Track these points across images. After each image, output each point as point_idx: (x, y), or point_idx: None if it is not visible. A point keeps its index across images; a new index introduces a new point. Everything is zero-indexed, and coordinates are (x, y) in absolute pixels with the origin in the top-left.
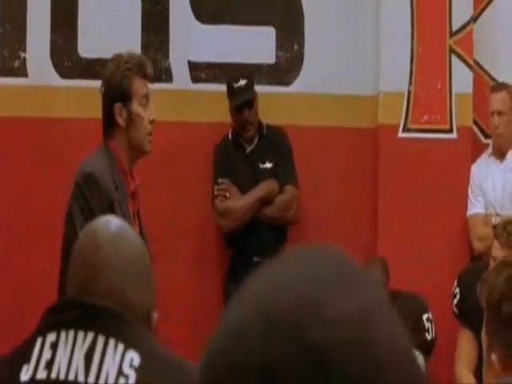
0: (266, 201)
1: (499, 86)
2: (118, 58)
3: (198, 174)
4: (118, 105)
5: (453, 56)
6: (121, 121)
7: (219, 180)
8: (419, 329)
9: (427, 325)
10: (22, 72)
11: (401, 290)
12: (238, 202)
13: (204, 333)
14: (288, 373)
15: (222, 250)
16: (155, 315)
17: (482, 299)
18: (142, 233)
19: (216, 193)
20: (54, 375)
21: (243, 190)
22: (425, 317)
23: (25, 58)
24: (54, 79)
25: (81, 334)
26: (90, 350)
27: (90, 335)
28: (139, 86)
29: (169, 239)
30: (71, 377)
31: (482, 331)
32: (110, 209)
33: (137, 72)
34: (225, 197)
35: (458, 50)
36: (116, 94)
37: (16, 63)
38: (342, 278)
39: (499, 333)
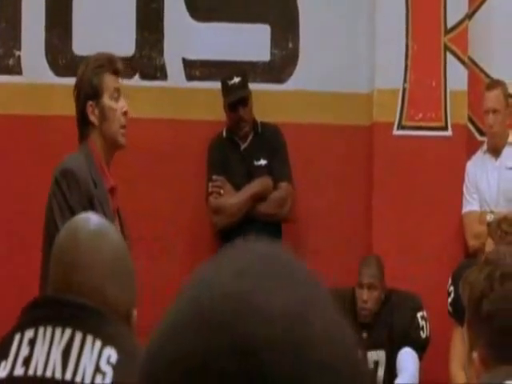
0: (260, 198)
1: (493, 84)
2: (87, 58)
3: (192, 171)
4: (90, 103)
5: (447, 53)
6: (93, 118)
7: (213, 177)
8: (414, 327)
9: (422, 323)
10: (16, 70)
11: (396, 289)
12: (232, 199)
13: None
14: (219, 368)
15: (217, 247)
16: (135, 313)
17: (463, 297)
18: (123, 229)
19: (210, 190)
20: (31, 372)
21: (237, 187)
22: (419, 315)
23: (19, 56)
24: (48, 77)
25: (58, 331)
26: (67, 346)
27: (68, 332)
28: (109, 81)
29: (164, 236)
30: (48, 373)
31: (464, 329)
32: (91, 204)
33: (106, 68)
34: (219, 194)
35: (453, 47)
36: (87, 93)
37: (11, 61)
38: (279, 274)
39: (480, 331)
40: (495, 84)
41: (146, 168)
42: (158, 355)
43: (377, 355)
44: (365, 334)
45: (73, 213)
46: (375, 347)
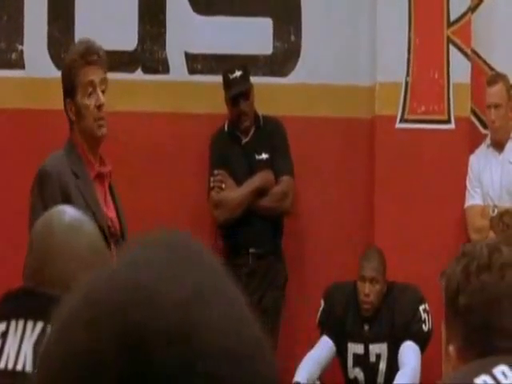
0: (261, 192)
1: (495, 78)
2: (68, 52)
3: (194, 165)
4: (67, 101)
5: (450, 46)
6: (71, 115)
7: (215, 171)
8: (416, 320)
9: (424, 316)
10: (19, 64)
11: (398, 282)
12: (234, 193)
13: None
14: (110, 357)
15: (218, 241)
16: None
17: (442, 290)
18: (119, 214)
19: (212, 184)
20: (2, 365)
21: (239, 182)
22: (421, 308)
23: (22, 51)
24: (51, 71)
25: (30, 324)
26: (38, 339)
27: (40, 325)
28: (83, 73)
29: (166, 228)
30: (19, 367)
31: (442, 323)
32: (67, 199)
33: (78, 62)
34: (221, 188)
35: (456, 39)
36: (65, 90)
37: (13, 55)
38: (175, 263)
39: (456, 325)
40: (497, 78)
41: (147, 161)
42: (51, 352)
43: (379, 348)
44: (366, 327)
45: (45, 209)
46: (377, 340)
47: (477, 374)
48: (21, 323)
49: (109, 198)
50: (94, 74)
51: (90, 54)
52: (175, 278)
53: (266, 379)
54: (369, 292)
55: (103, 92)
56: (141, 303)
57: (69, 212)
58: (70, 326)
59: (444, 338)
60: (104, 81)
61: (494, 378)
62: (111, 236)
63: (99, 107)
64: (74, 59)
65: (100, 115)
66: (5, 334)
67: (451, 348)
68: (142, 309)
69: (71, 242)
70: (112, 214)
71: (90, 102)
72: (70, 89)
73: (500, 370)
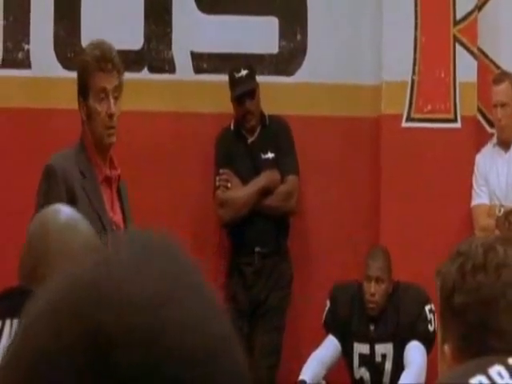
0: (267, 191)
1: (501, 77)
2: (85, 49)
3: (200, 164)
4: (80, 99)
5: (457, 45)
6: (82, 114)
7: (220, 170)
8: (421, 320)
9: (429, 316)
10: (25, 64)
11: (403, 282)
12: (239, 193)
13: None
14: (72, 358)
15: (223, 239)
16: None
17: (437, 289)
18: (125, 218)
19: (217, 183)
20: None
21: (245, 181)
22: (427, 308)
23: (28, 50)
24: (57, 71)
25: None
26: None
27: None
28: (96, 79)
29: (171, 228)
30: None
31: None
32: (72, 197)
33: (94, 65)
34: (226, 187)
35: (462, 38)
36: (79, 87)
37: (20, 55)
38: (142, 263)
39: (451, 324)
40: (503, 77)
41: (153, 160)
42: (16, 351)
43: (384, 348)
44: (372, 327)
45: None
46: (382, 340)
47: (472, 374)
48: (15, 322)
49: (116, 201)
50: (107, 81)
51: (104, 62)
52: (141, 279)
53: (233, 378)
54: (374, 291)
55: (116, 99)
56: (104, 304)
57: (64, 211)
58: (35, 326)
59: (439, 338)
60: (118, 88)
61: (490, 378)
62: None
63: (110, 116)
64: (88, 61)
65: (111, 124)
66: (0, 332)
67: (446, 347)
68: (106, 309)
69: (66, 241)
70: (118, 217)
71: (102, 109)
72: (82, 89)
73: (496, 370)
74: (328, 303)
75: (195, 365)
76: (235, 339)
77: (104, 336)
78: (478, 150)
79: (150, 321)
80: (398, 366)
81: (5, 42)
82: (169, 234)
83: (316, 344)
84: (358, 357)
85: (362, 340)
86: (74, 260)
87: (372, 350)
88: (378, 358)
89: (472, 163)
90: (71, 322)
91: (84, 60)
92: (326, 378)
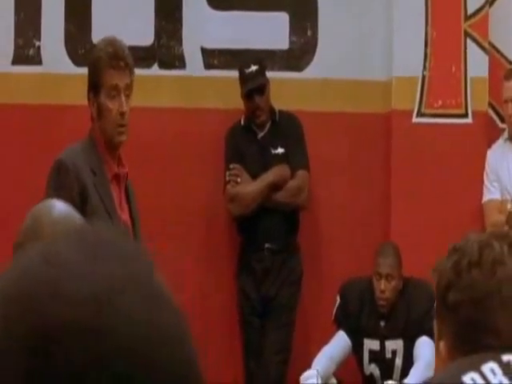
0: (277, 186)
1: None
2: (96, 45)
3: (210, 160)
4: (90, 95)
5: (468, 40)
6: (93, 110)
7: (231, 166)
8: (431, 316)
9: None
10: (36, 60)
11: (413, 278)
12: (249, 188)
13: (216, 319)
14: (18, 354)
15: (233, 235)
16: None
17: (434, 286)
18: (132, 216)
19: (227, 178)
20: None
21: (255, 176)
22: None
23: (39, 47)
24: (68, 67)
25: None
26: None
27: None
28: (108, 76)
29: (180, 223)
30: None
31: (434, 319)
32: (83, 193)
33: (106, 62)
34: (236, 182)
35: (474, 33)
36: (90, 83)
37: (31, 51)
38: (89, 258)
39: (446, 321)
40: None
41: (164, 156)
42: None
43: (395, 344)
44: (382, 323)
45: (65, 200)
46: (393, 336)
47: (465, 371)
48: None
49: (124, 199)
50: (119, 79)
51: (117, 60)
52: (88, 273)
53: (180, 372)
54: (384, 288)
55: (128, 97)
56: (50, 299)
57: (58, 206)
58: None
59: (435, 335)
60: (129, 86)
61: (483, 375)
62: None
63: (122, 114)
64: (101, 57)
65: (122, 122)
66: None
67: (441, 344)
68: (51, 304)
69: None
70: (126, 216)
71: (113, 106)
72: (93, 85)
73: (489, 367)
74: (338, 299)
75: (142, 358)
76: (184, 332)
77: (50, 332)
78: (489, 146)
79: (97, 317)
80: (408, 362)
81: (16, 38)
82: (121, 231)
83: (326, 340)
84: (368, 353)
85: (372, 336)
86: (24, 251)
87: (382, 346)
88: (388, 355)
89: (483, 159)
90: (18, 318)
91: (96, 56)
92: (335, 374)
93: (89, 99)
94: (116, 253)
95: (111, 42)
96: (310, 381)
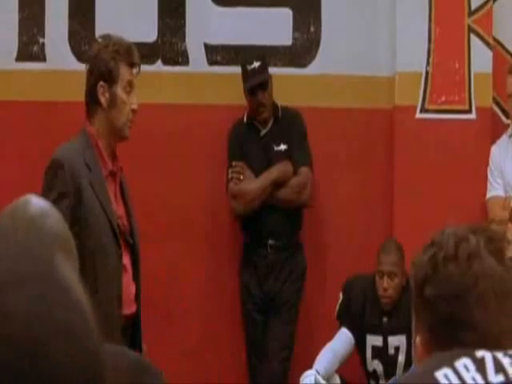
0: (279, 183)
1: None
2: (107, 38)
3: (213, 156)
4: (101, 83)
5: (472, 35)
6: (103, 100)
7: (233, 163)
8: None
9: None
10: (40, 57)
11: None
12: (251, 185)
13: (219, 315)
14: None
15: (236, 232)
16: None
17: (411, 281)
18: (128, 212)
19: (230, 176)
20: None
21: (257, 173)
22: None
23: (43, 44)
24: (72, 64)
25: None
26: None
27: None
28: (125, 71)
29: (184, 220)
30: None
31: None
32: (78, 191)
33: (124, 57)
34: (239, 179)
35: (477, 28)
36: (101, 72)
37: (35, 48)
38: None
39: (422, 316)
40: None
41: (166, 153)
42: None
43: (398, 340)
44: (385, 320)
45: (59, 200)
46: (396, 332)
47: (438, 367)
48: None
49: (119, 194)
50: (133, 77)
51: (134, 56)
52: None
53: (73, 368)
54: (387, 287)
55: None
56: None
57: (34, 202)
58: None
59: (413, 329)
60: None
61: (456, 371)
62: (120, 233)
63: (133, 111)
64: (118, 50)
65: (131, 118)
66: None
67: (418, 339)
68: None
69: (32, 235)
70: (121, 211)
71: (128, 101)
72: (106, 74)
73: (462, 362)
74: (341, 296)
75: (33, 354)
76: (79, 326)
77: None
78: (493, 142)
79: None
80: (411, 359)
81: (20, 35)
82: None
83: (329, 337)
84: (371, 349)
85: (375, 332)
86: None
87: (385, 342)
88: (391, 351)
89: (487, 155)
90: None
91: (113, 48)
92: (338, 370)
93: (98, 87)
94: (9, 251)
95: (122, 40)
96: (307, 380)
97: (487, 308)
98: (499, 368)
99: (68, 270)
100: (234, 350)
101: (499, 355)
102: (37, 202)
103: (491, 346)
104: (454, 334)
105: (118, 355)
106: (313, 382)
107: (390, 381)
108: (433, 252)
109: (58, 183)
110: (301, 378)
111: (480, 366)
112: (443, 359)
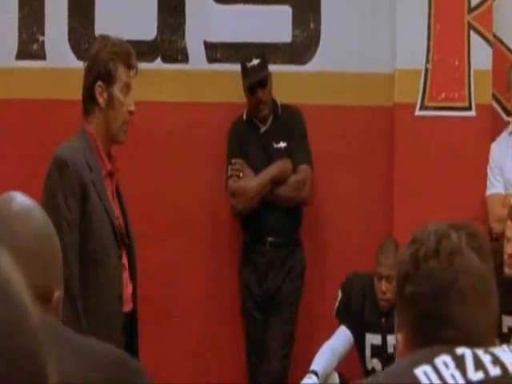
0: (279, 181)
1: None
2: (105, 39)
3: (213, 154)
4: (99, 83)
5: (471, 32)
6: (101, 100)
7: (233, 160)
8: None
9: None
10: (40, 55)
11: None
12: (251, 182)
13: (219, 314)
14: None
15: (236, 230)
16: (57, 295)
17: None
18: (123, 211)
19: (229, 173)
20: None
21: (257, 170)
22: None
23: (43, 42)
24: (71, 62)
25: None
26: None
27: None
28: (122, 72)
29: (184, 218)
30: None
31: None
32: (83, 189)
33: (122, 59)
34: (238, 177)
35: (477, 25)
36: (99, 73)
37: (35, 46)
38: None
39: (404, 312)
40: None
41: (166, 150)
42: None
43: (395, 339)
44: (383, 320)
45: (65, 199)
46: (393, 331)
47: (417, 364)
48: None
49: (115, 194)
50: (130, 79)
51: (130, 59)
52: None
53: (9, 368)
54: (386, 290)
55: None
56: None
57: (18, 199)
58: None
59: (396, 326)
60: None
61: (435, 368)
62: (119, 233)
63: (130, 112)
64: (116, 52)
65: (128, 120)
66: None
67: (399, 336)
68: None
69: (17, 232)
70: (118, 211)
71: (125, 102)
72: (104, 74)
73: (442, 360)
74: (340, 294)
75: None
76: (24, 326)
77: None
78: (493, 139)
79: None
80: None
81: (20, 33)
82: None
83: (329, 335)
84: (370, 347)
85: (373, 331)
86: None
87: (384, 340)
88: (390, 349)
89: (487, 152)
90: None
91: (112, 51)
92: (337, 368)
93: (96, 87)
94: None
95: (122, 42)
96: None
97: (468, 304)
98: (479, 365)
99: (5, 263)
100: (234, 349)
101: (479, 352)
102: (21, 200)
103: (473, 343)
104: (435, 330)
105: (100, 352)
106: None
107: (369, 378)
108: (414, 249)
109: (64, 184)
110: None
111: (460, 363)
112: (423, 356)
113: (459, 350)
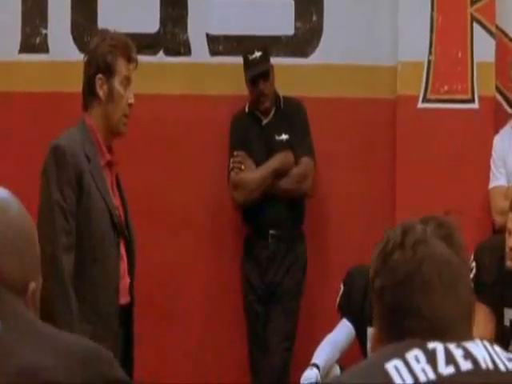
0: (281, 173)
1: None
2: (104, 32)
3: (215, 147)
4: (99, 76)
5: (474, 24)
6: (101, 93)
7: (234, 152)
8: None
9: None
10: (43, 48)
11: None
12: (252, 175)
13: (219, 314)
14: None
15: (238, 223)
16: (33, 286)
17: None
18: (123, 203)
19: (231, 165)
20: None
21: (259, 163)
22: None
23: (46, 35)
24: (74, 55)
25: None
26: None
27: None
28: (122, 65)
29: (185, 212)
30: None
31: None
32: (80, 179)
33: (121, 52)
34: (240, 169)
35: (480, 17)
36: (99, 66)
37: (37, 40)
38: None
39: (375, 308)
40: None
41: (169, 143)
42: None
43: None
44: None
45: (61, 188)
46: None
47: (388, 359)
48: None
49: (115, 185)
50: (130, 72)
51: (130, 52)
52: None
53: None
54: None
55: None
56: None
57: None
58: None
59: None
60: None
61: (406, 362)
62: (118, 224)
63: (130, 105)
64: (117, 46)
65: (128, 113)
66: None
67: (372, 330)
68: None
69: None
70: (117, 202)
71: (125, 95)
72: (104, 67)
73: (413, 354)
74: (342, 287)
75: None
76: None
77: None
78: (496, 131)
79: None
80: None
81: (23, 26)
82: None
83: (331, 328)
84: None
85: None
86: None
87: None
88: None
89: (490, 144)
90: None
91: (111, 44)
92: (339, 361)
93: (96, 80)
94: None
95: (121, 36)
96: (309, 381)
97: (434, 293)
98: (450, 360)
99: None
100: (234, 349)
101: (451, 346)
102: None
103: (442, 334)
104: (401, 322)
105: (76, 345)
106: (315, 381)
107: (345, 371)
108: (382, 245)
109: (60, 172)
110: (301, 379)
111: (431, 357)
112: (394, 350)
113: (431, 345)
